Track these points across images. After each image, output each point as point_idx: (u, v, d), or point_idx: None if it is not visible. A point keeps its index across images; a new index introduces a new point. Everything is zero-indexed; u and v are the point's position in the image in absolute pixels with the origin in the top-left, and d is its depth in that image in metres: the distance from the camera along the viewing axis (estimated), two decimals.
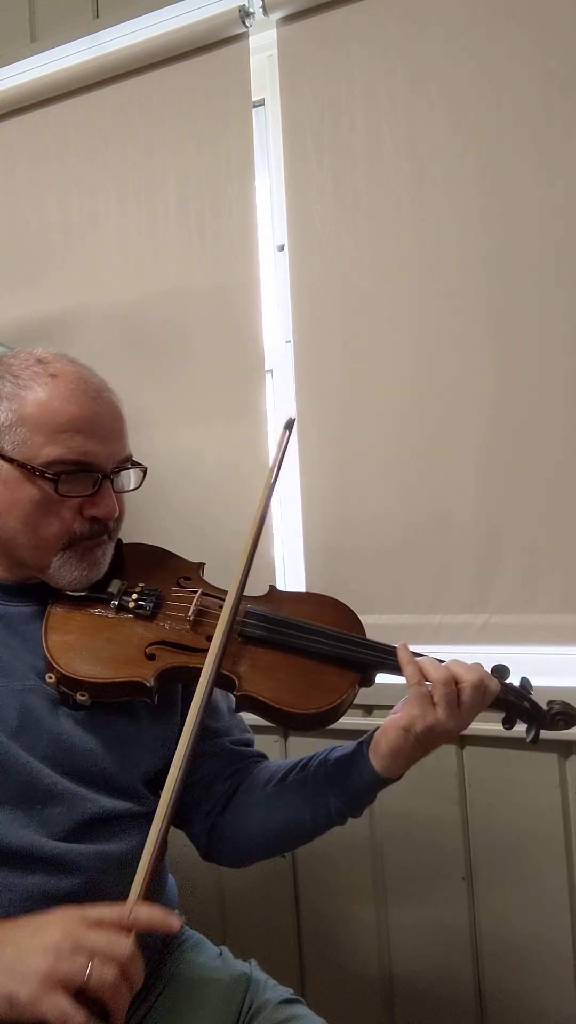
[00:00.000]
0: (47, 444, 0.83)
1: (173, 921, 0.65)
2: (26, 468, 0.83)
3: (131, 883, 0.85)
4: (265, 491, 0.93)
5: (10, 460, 0.83)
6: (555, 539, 1.28)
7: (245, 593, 0.89)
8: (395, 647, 0.88)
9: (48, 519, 0.84)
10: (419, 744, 0.83)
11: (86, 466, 0.84)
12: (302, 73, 1.44)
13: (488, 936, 1.32)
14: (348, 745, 0.92)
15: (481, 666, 0.85)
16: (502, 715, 0.91)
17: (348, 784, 0.88)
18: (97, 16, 1.61)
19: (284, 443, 0.98)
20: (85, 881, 0.81)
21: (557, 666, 1.28)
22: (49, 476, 0.82)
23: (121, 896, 0.83)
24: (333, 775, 0.90)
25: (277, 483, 0.96)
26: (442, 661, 0.86)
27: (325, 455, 1.43)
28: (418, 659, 0.85)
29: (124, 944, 0.61)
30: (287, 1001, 0.94)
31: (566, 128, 1.26)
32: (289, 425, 1.01)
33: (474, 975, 1.32)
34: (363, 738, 0.90)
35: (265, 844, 0.95)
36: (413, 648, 0.87)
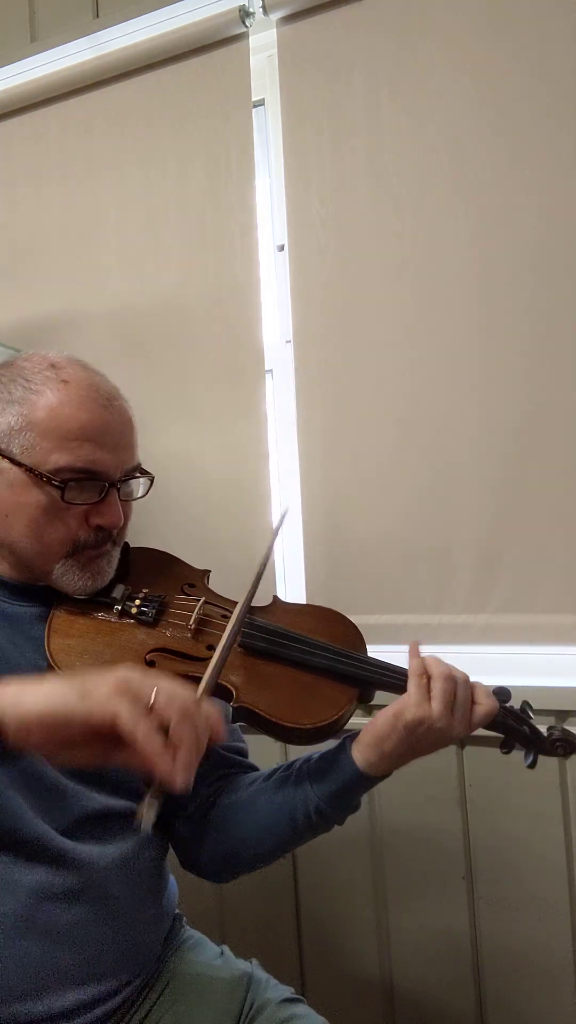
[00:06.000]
0: (55, 451, 0.82)
1: (221, 734, 0.65)
2: (33, 473, 0.82)
3: (131, 885, 0.86)
4: (259, 568, 0.90)
5: (18, 464, 0.83)
6: (555, 539, 1.28)
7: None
8: (397, 666, 0.87)
9: (53, 525, 0.84)
10: (406, 734, 0.81)
11: (94, 475, 0.84)
12: (302, 73, 1.44)
13: (488, 936, 1.32)
14: (333, 741, 0.89)
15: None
16: (501, 738, 0.90)
17: (328, 779, 0.85)
18: (97, 16, 1.61)
19: (277, 527, 1.00)
20: (86, 880, 0.82)
21: (557, 666, 1.28)
22: (56, 483, 0.82)
23: (120, 898, 0.84)
24: (315, 770, 0.88)
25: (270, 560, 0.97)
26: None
27: (326, 454, 1.43)
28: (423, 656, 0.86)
29: (191, 694, 0.62)
30: (288, 1000, 0.94)
31: (568, 126, 1.25)
32: (285, 514, 1.07)
33: (474, 975, 1.32)
34: (350, 732, 0.88)
35: (243, 850, 0.91)
36: None
